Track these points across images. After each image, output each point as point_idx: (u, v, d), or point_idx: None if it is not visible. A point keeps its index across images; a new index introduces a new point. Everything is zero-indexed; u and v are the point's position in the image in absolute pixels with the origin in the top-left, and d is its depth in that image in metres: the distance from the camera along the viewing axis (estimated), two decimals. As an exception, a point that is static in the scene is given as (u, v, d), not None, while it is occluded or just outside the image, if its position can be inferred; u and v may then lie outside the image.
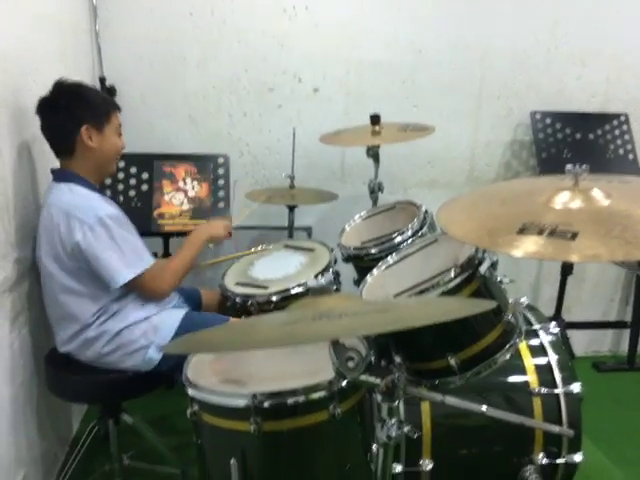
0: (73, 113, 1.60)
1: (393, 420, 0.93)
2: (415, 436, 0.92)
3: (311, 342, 0.88)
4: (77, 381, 1.65)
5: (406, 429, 0.94)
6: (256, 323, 1.03)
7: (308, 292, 1.58)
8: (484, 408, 1.11)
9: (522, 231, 1.01)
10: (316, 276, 1.63)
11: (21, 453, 1.65)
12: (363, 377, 0.91)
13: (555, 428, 1.35)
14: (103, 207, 1.59)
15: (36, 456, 1.77)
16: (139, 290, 1.65)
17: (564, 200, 1.09)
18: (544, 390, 1.58)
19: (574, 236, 0.95)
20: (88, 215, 1.54)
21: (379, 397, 0.94)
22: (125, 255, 1.57)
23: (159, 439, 1.87)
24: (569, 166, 1.12)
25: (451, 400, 1.01)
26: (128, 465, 1.89)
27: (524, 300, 1.83)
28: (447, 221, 1.14)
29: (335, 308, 0.90)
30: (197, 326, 1.67)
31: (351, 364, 0.90)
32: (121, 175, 2.26)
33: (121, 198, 2.24)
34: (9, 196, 1.57)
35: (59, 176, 1.64)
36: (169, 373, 1.64)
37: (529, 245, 0.98)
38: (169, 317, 1.70)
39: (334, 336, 0.84)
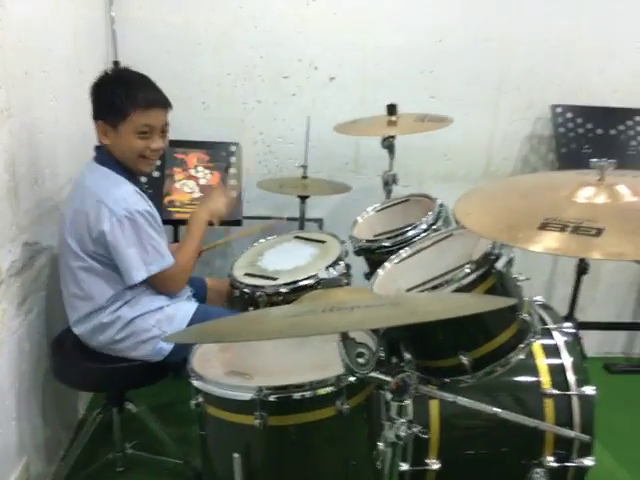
0: (95, 105, 1.61)
1: (403, 419, 0.90)
2: (425, 436, 0.88)
3: (321, 333, 0.85)
4: (83, 368, 1.64)
5: (416, 429, 0.91)
6: (265, 314, 1.00)
7: (318, 284, 1.56)
8: (496, 410, 1.07)
9: (544, 226, 0.97)
10: (327, 268, 1.59)
11: (24, 439, 1.64)
12: (373, 374, 0.88)
13: (571, 433, 1.31)
14: (136, 201, 1.57)
15: (39, 443, 1.77)
16: (156, 286, 1.65)
17: (588, 195, 1.05)
18: (556, 392, 1.54)
19: (599, 232, 0.91)
20: (119, 207, 1.52)
21: (389, 395, 0.90)
22: (147, 254, 1.57)
23: (163, 429, 1.86)
24: (594, 160, 1.07)
25: (463, 401, 0.97)
26: (131, 454, 1.89)
27: (539, 299, 1.79)
28: (465, 213, 1.10)
29: (346, 301, 0.87)
30: (210, 318, 1.66)
31: (361, 360, 0.86)
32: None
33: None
34: (18, 178, 1.55)
35: (100, 157, 1.63)
36: (178, 365, 1.63)
37: (551, 241, 0.93)
38: (182, 308, 1.70)
39: (345, 328, 0.81)
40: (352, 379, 1.16)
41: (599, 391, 1.56)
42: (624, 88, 2.65)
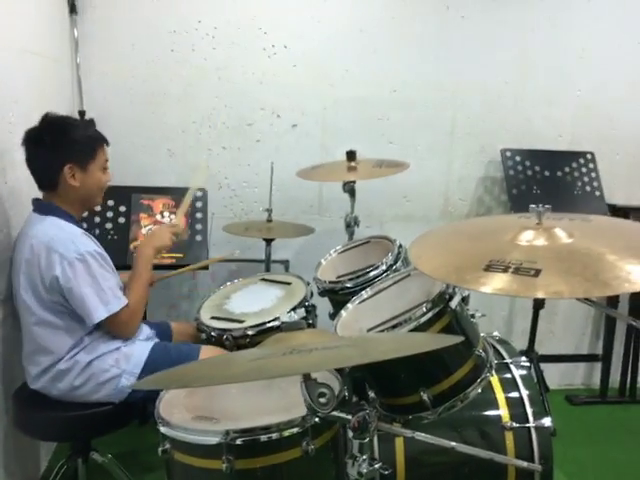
0: (57, 151, 1.60)
1: (364, 456, 0.94)
2: (387, 473, 0.93)
3: (282, 376, 0.89)
4: (46, 418, 1.61)
5: (377, 465, 0.95)
6: (228, 358, 1.03)
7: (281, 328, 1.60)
8: (453, 444, 1.12)
9: (488, 268, 1.05)
10: (289, 311, 1.64)
11: (-15, 494, 1.60)
12: (335, 413, 0.92)
13: (523, 463, 1.37)
14: (85, 243, 1.59)
15: (0, 497, 1.72)
16: (111, 328, 1.64)
17: (528, 238, 1.14)
18: (516, 424, 1.60)
19: (537, 273, 0.99)
20: (69, 250, 1.53)
21: (350, 433, 0.94)
22: (104, 292, 1.57)
23: (129, 478, 1.82)
24: (532, 206, 1.17)
25: (421, 436, 1.02)
26: (97, 506, 1.84)
27: (496, 334, 1.87)
28: (417, 256, 1.17)
29: (307, 343, 0.92)
30: (168, 353, 1.68)
31: (323, 400, 0.90)
32: (98, 207, 2.25)
33: (97, 231, 2.24)
34: (-18, 229, 1.56)
35: (42, 208, 1.64)
36: (144, 403, 1.63)
37: (496, 282, 1.01)
38: (139, 346, 1.70)
39: (303, 370, 0.85)
40: (317, 419, 1.19)
41: (559, 421, 1.62)
42: (567, 132, 2.85)
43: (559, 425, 1.69)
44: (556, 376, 3.05)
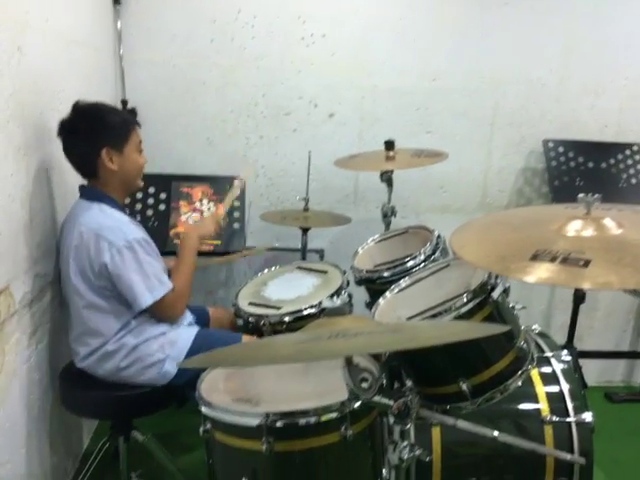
0: (92, 137, 1.63)
1: (405, 442, 0.94)
2: (427, 459, 0.93)
3: (327, 358, 0.90)
4: (91, 397, 1.67)
5: (418, 452, 0.95)
6: (272, 341, 1.05)
7: (321, 313, 1.61)
8: (496, 433, 1.11)
9: (535, 257, 1.03)
10: (331, 297, 1.64)
11: (33, 467, 1.66)
12: (376, 398, 0.92)
13: (567, 455, 1.34)
14: (132, 231, 1.63)
15: (46, 471, 1.79)
16: (157, 312, 1.69)
17: (576, 228, 1.11)
18: (556, 418, 1.58)
19: (587, 263, 0.97)
20: (117, 237, 1.58)
21: (391, 419, 0.95)
22: (149, 279, 1.61)
23: (169, 458, 1.88)
24: (581, 195, 1.14)
25: (463, 424, 1.01)
26: (136, 483, 1.90)
27: (536, 327, 1.84)
28: (460, 246, 1.16)
29: (350, 328, 0.92)
30: (211, 340, 1.71)
31: (365, 385, 0.91)
32: (139, 195, 2.31)
33: (139, 217, 2.29)
34: (32, 213, 1.61)
35: (88, 194, 1.68)
36: (183, 388, 1.67)
37: (541, 271, 0.99)
38: (184, 332, 1.74)
39: (350, 353, 0.86)
40: (356, 405, 1.20)
41: (597, 419, 1.59)
42: (613, 123, 2.76)
43: (597, 422, 1.66)
44: (595, 373, 2.98)
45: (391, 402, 0.93)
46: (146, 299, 1.61)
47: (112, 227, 1.60)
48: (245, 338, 1.77)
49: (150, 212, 2.32)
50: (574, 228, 1.11)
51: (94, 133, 1.63)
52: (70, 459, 2.03)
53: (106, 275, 1.59)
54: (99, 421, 2.37)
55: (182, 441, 2.20)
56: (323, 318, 1.02)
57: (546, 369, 1.68)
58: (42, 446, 1.74)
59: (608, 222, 1.10)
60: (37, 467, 1.70)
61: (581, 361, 2.68)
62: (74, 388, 1.69)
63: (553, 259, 1.01)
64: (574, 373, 1.70)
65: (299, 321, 1.77)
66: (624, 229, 1.09)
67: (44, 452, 1.77)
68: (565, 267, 0.98)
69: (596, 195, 1.12)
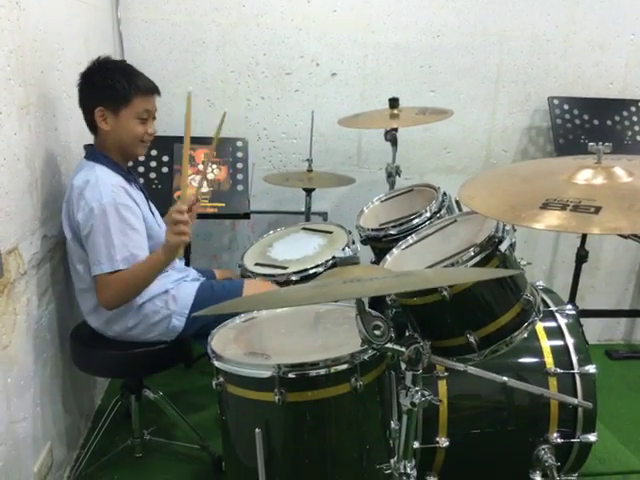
0: (92, 91, 1.63)
1: (417, 387, 0.96)
2: (438, 403, 0.95)
3: (347, 298, 0.90)
4: (102, 355, 1.70)
5: (429, 396, 0.97)
6: (289, 288, 1.05)
7: (334, 265, 1.61)
8: (505, 379, 1.13)
9: (545, 206, 1.03)
10: (342, 249, 1.65)
11: (47, 425, 1.70)
12: (389, 345, 0.94)
13: (574, 400, 1.38)
14: (110, 194, 1.56)
15: (60, 429, 1.83)
16: (97, 286, 1.57)
17: (586, 177, 1.11)
18: (560, 370, 1.61)
19: (597, 210, 0.97)
20: (94, 197, 1.55)
21: (403, 365, 0.96)
22: (113, 247, 1.52)
23: (180, 415, 1.92)
24: (592, 144, 1.13)
25: (473, 370, 1.03)
26: (149, 441, 1.94)
27: (540, 283, 1.86)
28: (469, 197, 1.16)
29: (364, 275, 0.93)
30: (213, 290, 1.73)
31: (378, 332, 0.92)
32: (142, 157, 2.29)
33: (142, 180, 2.27)
34: (37, 174, 1.61)
35: (90, 155, 1.68)
36: (191, 343, 1.70)
37: (552, 219, 0.99)
38: (186, 287, 1.74)
39: (365, 294, 0.86)
40: (365, 357, 1.22)
41: (600, 376, 1.62)
42: (619, 80, 2.72)
43: (599, 379, 1.71)
44: (596, 331, 3.03)
45: (403, 349, 0.95)
46: (102, 267, 1.52)
47: (93, 186, 1.56)
48: (247, 282, 1.79)
49: (153, 175, 2.31)
50: (584, 177, 1.11)
51: (94, 87, 1.63)
52: (83, 418, 2.07)
53: (79, 232, 1.59)
54: (110, 381, 2.42)
55: (192, 400, 2.24)
56: (336, 268, 1.02)
57: (551, 323, 1.71)
58: (56, 405, 1.78)
59: (618, 170, 1.10)
60: (52, 425, 1.74)
61: (582, 320, 2.70)
62: (85, 347, 1.72)
63: (564, 207, 1.01)
64: (578, 327, 1.73)
65: (306, 280, 1.78)
66: (634, 177, 1.09)
67: (58, 411, 1.80)
68: (576, 214, 0.98)
69: (606, 143, 1.11)
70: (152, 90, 1.69)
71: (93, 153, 1.67)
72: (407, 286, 0.88)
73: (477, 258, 1.33)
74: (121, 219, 1.56)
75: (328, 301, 1.17)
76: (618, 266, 2.99)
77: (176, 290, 1.72)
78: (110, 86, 1.61)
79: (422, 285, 0.83)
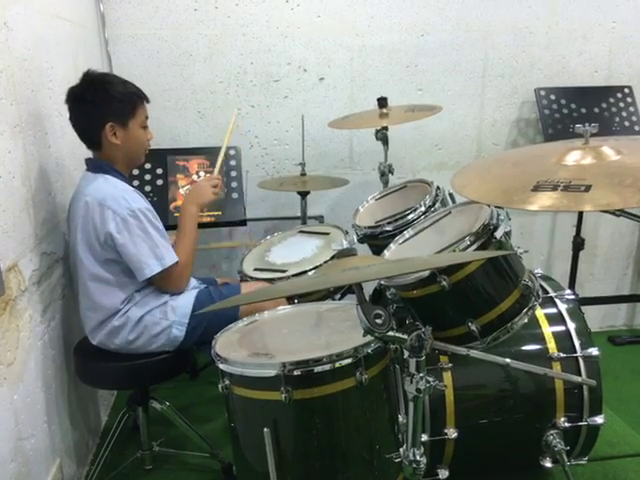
0: (98, 109, 1.62)
1: (422, 374, 0.97)
2: (443, 388, 0.95)
3: (350, 283, 0.91)
4: (106, 368, 1.70)
5: (434, 382, 0.98)
6: (291, 280, 1.05)
7: (333, 257, 1.62)
8: (508, 360, 1.14)
9: (536, 188, 1.05)
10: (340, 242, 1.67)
11: (55, 442, 1.70)
12: (391, 333, 0.95)
13: (577, 378, 1.38)
14: (136, 200, 1.63)
15: (69, 445, 1.82)
16: (162, 284, 1.69)
17: (575, 158, 1.13)
18: (563, 355, 1.61)
19: (588, 188, 0.99)
20: (121, 206, 1.58)
21: (406, 352, 0.97)
22: (157, 247, 1.61)
23: (189, 424, 1.91)
24: (579, 125, 1.15)
25: (475, 353, 1.04)
26: (158, 452, 1.94)
27: (538, 271, 1.87)
28: (462, 185, 1.18)
29: (362, 264, 0.94)
30: (211, 297, 1.73)
31: (379, 321, 0.93)
32: (136, 171, 2.30)
33: (137, 193, 2.28)
34: (33, 191, 1.62)
35: (93, 166, 1.69)
36: (194, 352, 1.71)
37: (544, 200, 1.01)
38: (184, 296, 1.75)
39: (364, 279, 0.87)
40: (368, 350, 1.22)
41: (603, 361, 1.63)
42: (603, 67, 2.76)
43: (602, 364, 1.71)
44: (597, 319, 3.04)
45: (405, 336, 0.96)
46: (153, 268, 1.61)
47: (116, 196, 1.60)
48: (244, 286, 1.80)
49: (148, 188, 2.32)
50: (573, 158, 1.13)
51: (99, 104, 1.62)
52: (90, 435, 2.07)
53: (112, 245, 1.59)
54: (115, 397, 2.41)
55: (198, 412, 2.24)
56: (334, 260, 1.03)
57: (551, 310, 1.71)
58: (62, 421, 1.77)
59: (606, 150, 1.12)
60: (60, 442, 1.74)
61: (583, 308, 2.71)
62: (89, 361, 1.72)
63: (555, 188, 1.03)
64: (579, 312, 1.73)
65: (306, 281, 1.79)
66: (622, 155, 1.11)
67: (66, 427, 1.80)
68: (567, 193, 1.00)
69: (593, 124, 1.13)
70: (144, 96, 1.73)
71: (99, 165, 1.67)
72: (405, 269, 0.89)
73: (473, 246, 1.34)
74: (151, 222, 1.63)
75: (332, 286, 1.17)
76: (615, 252, 3.01)
77: (174, 300, 1.73)
78: (117, 99, 1.63)
79: (420, 266, 0.84)
